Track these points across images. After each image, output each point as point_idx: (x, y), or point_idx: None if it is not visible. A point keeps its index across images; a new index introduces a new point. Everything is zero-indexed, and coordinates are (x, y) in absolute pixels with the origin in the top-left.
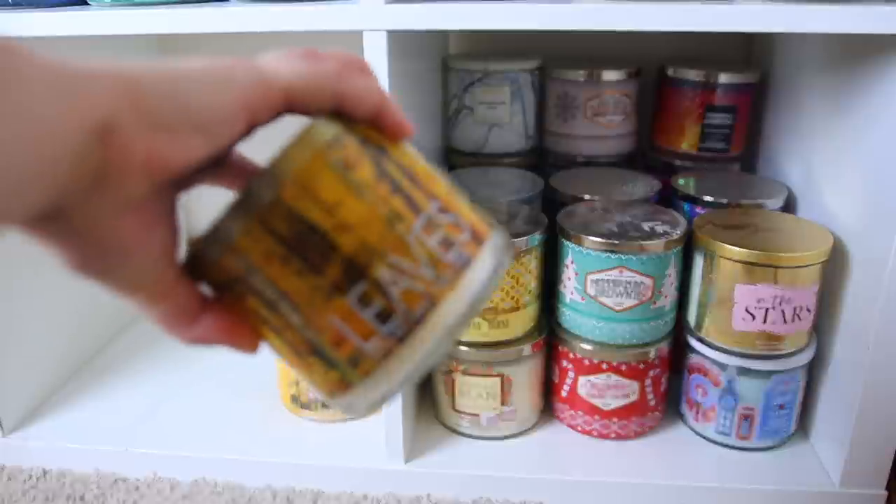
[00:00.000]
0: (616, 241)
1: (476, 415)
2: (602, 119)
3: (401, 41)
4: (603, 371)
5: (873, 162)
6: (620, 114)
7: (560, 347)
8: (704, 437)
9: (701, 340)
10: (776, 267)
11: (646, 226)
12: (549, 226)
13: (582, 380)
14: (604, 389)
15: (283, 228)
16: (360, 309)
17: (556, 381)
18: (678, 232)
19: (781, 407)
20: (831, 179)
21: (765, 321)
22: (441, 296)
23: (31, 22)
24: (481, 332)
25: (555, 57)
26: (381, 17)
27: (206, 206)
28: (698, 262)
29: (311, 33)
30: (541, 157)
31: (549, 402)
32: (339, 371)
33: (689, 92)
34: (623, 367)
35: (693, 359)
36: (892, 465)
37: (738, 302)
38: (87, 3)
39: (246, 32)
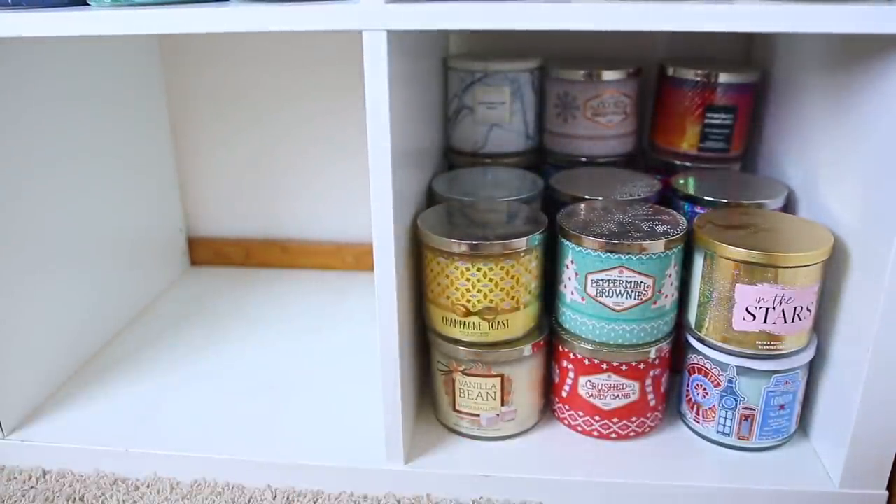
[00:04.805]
0: (616, 241)
1: (476, 415)
2: (602, 119)
3: (401, 41)
4: (603, 371)
5: (873, 161)
6: (620, 114)
7: (560, 347)
8: (705, 438)
9: (701, 340)
10: (776, 267)
11: (646, 226)
12: (549, 226)
13: (582, 380)
14: (604, 389)
15: None
16: None
17: (556, 381)
18: (678, 232)
19: (782, 407)
20: (831, 179)
21: (765, 321)
22: None
23: (31, 22)
24: (481, 332)
25: (555, 57)
26: (381, 16)
27: (205, 204)
28: (698, 262)
29: (310, 33)
30: (541, 157)
31: (549, 402)
32: None
33: (689, 92)
34: (623, 367)
35: (693, 359)
36: (892, 465)
37: (738, 302)
38: (86, 3)
39: (246, 32)
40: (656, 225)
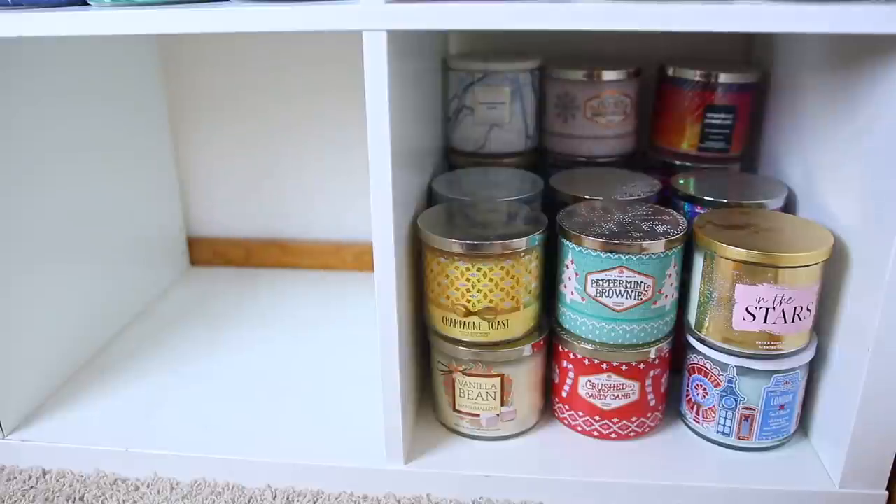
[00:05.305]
0: (616, 241)
1: (476, 415)
2: (602, 119)
3: (401, 41)
4: (603, 371)
5: (874, 161)
6: (620, 114)
7: (560, 347)
8: (705, 438)
9: (701, 340)
10: (776, 267)
11: (646, 226)
12: (549, 226)
13: (582, 380)
14: (604, 389)
15: None
16: None
17: (556, 381)
18: (678, 232)
19: (782, 407)
20: (831, 179)
21: (765, 321)
22: None
23: (31, 22)
24: (481, 332)
25: (555, 57)
26: (381, 17)
27: (205, 204)
28: (698, 262)
29: (310, 33)
30: (541, 157)
31: (549, 402)
32: None
33: (689, 92)
34: (623, 367)
35: (693, 359)
36: (892, 465)
37: (738, 302)
38: (87, 3)
39: (246, 32)
40: (656, 225)
